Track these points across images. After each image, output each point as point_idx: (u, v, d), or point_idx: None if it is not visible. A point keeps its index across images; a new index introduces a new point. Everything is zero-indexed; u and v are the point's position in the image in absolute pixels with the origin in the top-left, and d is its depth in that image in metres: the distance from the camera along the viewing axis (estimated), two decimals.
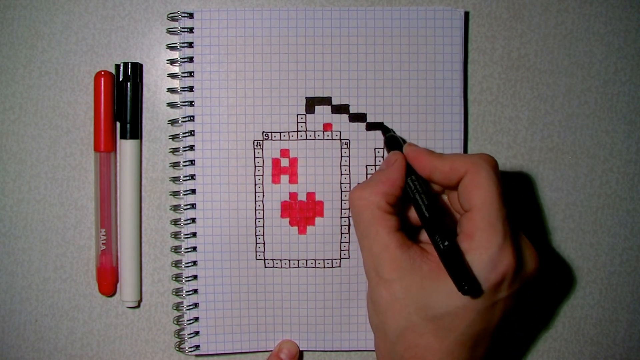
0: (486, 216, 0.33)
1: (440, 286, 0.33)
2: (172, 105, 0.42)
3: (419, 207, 0.35)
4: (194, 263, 0.43)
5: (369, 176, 0.43)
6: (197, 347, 0.43)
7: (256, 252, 0.43)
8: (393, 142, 0.40)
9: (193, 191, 0.42)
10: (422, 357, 0.34)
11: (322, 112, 0.43)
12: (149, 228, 0.43)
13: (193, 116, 0.42)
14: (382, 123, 0.42)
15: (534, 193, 0.45)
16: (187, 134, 0.42)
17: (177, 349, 0.43)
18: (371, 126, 0.43)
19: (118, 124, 0.43)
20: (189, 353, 0.43)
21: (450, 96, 0.43)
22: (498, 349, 0.45)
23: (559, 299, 0.46)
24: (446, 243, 0.33)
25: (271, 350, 0.43)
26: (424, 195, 0.35)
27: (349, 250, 0.43)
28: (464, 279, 0.32)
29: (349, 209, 0.42)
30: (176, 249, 0.43)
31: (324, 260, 0.43)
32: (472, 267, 0.33)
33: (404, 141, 0.41)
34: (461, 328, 0.33)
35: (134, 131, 0.42)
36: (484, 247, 0.33)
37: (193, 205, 0.42)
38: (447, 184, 0.36)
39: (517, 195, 0.45)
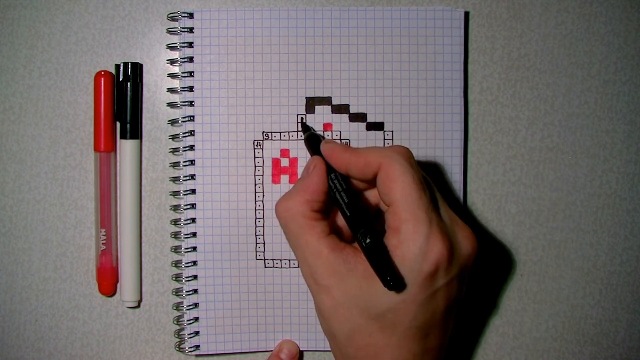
0: (407, 208, 0.33)
1: (377, 284, 0.32)
2: (172, 105, 0.42)
3: (341, 207, 0.35)
4: (194, 263, 0.43)
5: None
6: (197, 347, 0.43)
7: (256, 252, 0.43)
8: (314, 140, 0.39)
9: (193, 191, 0.42)
10: (374, 356, 0.34)
11: (322, 112, 0.43)
12: (149, 228, 0.43)
13: (193, 116, 0.42)
14: (303, 122, 0.42)
15: (534, 193, 0.45)
16: (187, 134, 0.42)
17: (177, 349, 0.43)
18: (371, 126, 0.43)
19: (118, 124, 0.43)
20: (189, 353, 0.43)
21: (451, 96, 0.43)
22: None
23: (559, 299, 0.46)
24: (368, 240, 0.33)
25: (271, 350, 0.43)
26: (343, 194, 0.35)
27: None
28: (388, 274, 0.32)
29: None
30: (176, 249, 0.43)
31: None
32: (404, 260, 0.32)
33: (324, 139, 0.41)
34: (406, 322, 0.33)
35: (134, 131, 0.42)
36: (412, 239, 0.32)
37: (193, 205, 0.42)
38: (365, 179, 0.35)
39: (517, 195, 0.45)
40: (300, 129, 0.42)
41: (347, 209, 0.35)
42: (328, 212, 0.37)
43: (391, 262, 0.32)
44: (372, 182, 0.36)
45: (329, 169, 0.36)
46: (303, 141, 0.42)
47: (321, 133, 0.43)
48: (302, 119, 0.42)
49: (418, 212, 0.33)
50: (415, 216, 0.32)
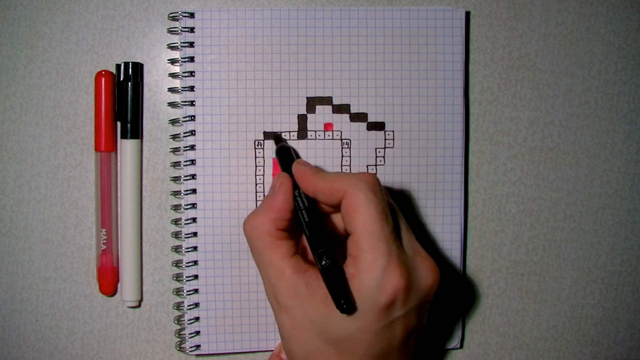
0: (367, 238, 0.33)
1: (335, 309, 0.32)
2: (172, 104, 0.42)
3: (302, 226, 0.35)
4: (195, 263, 0.43)
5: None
6: (198, 346, 0.43)
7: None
8: (284, 153, 0.39)
9: (194, 191, 0.42)
10: None
11: (323, 112, 0.43)
12: (149, 228, 0.43)
13: (194, 116, 0.42)
14: (278, 134, 0.42)
15: (535, 193, 0.45)
16: (187, 134, 0.42)
17: (178, 348, 0.43)
18: (372, 126, 0.43)
19: (119, 124, 0.43)
20: (190, 353, 0.43)
21: (451, 96, 0.43)
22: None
23: (559, 299, 0.46)
24: (324, 262, 0.33)
25: (272, 350, 0.43)
26: (305, 212, 0.35)
27: None
28: (341, 297, 0.32)
29: None
30: (177, 249, 0.43)
31: None
32: (360, 290, 0.32)
33: (296, 154, 0.41)
34: (362, 349, 0.33)
35: (135, 131, 0.42)
36: (369, 269, 0.32)
37: (194, 205, 0.42)
38: (331, 205, 0.35)
39: (518, 195, 0.45)
40: (300, 128, 0.42)
41: (307, 228, 0.35)
42: (296, 232, 0.37)
43: (346, 286, 0.32)
44: (338, 208, 0.36)
45: (295, 187, 0.36)
46: (275, 153, 0.41)
47: (322, 133, 0.43)
48: (274, 133, 0.42)
49: (378, 244, 0.33)
50: (375, 247, 0.33)
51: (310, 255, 0.36)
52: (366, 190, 0.33)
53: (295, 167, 0.37)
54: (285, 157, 0.39)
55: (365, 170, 0.43)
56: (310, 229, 0.35)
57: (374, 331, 0.33)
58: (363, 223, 0.33)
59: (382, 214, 0.33)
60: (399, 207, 0.43)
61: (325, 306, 0.33)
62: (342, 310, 0.32)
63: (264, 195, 0.43)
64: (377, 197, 0.34)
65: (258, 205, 0.42)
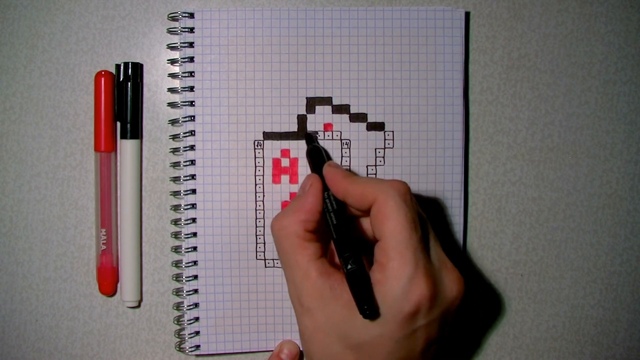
0: (396, 246, 0.33)
1: (358, 315, 0.32)
2: (172, 105, 0.42)
3: (330, 228, 0.35)
4: (195, 263, 0.43)
5: (369, 177, 0.43)
6: (198, 347, 0.43)
7: (257, 252, 0.43)
8: (316, 154, 0.39)
9: (193, 191, 0.42)
10: None
11: (323, 112, 0.43)
12: (149, 228, 0.43)
13: (194, 116, 0.42)
14: (310, 133, 0.42)
15: (535, 193, 0.45)
16: (187, 134, 0.42)
17: (178, 348, 0.43)
18: (372, 126, 0.43)
19: (118, 124, 0.43)
20: (190, 353, 0.43)
21: (451, 96, 0.43)
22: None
23: (559, 299, 0.46)
24: (350, 266, 0.33)
25: (272, 351, 0.43)
26: (334, 215, 0.35)
27: None
28: (365, 302, 0.32)
29: None
30: (176, 249, 0.43)
31: None
32: (385, 297, 0.32)
33: (327, 155, 0.41)
34: (381, 356, 0.33)
35: (135, 131, 0.42)
36: (395, 277, 0.32)
37: (193, 205, 0.42)
38: (361, 209, 0.35)
39: (518, 195, 0.45)
40: (301, 134, 0.42)
41: (334, 231, 0.35)
42: (323, 234, 0.37)
43: (370, 291, 0.32)
44: (367, 214, 0.36)
45: (324, 189, 0.36)
46: (305, 152, 0.42)
47: (322, 133, 0.43)
48: (307, 132, 0.42)
49: (405, 252, 0.33)
50: (402, 255, 0.32)
51: (337, 259, 0.36)
52: (397, 198, 0.33)
53: (326, 169, 0.37)
54: (317, 158, 0.39)
55: (365, 171, 0.43)
56: (338, 232, 0.35)
57: (395, 339, 0.33)
58: (392, 231, 0.33)
59: (412, 222, 0.33)
60: None
61: (348, 311, 0.33)
62: (365, 316, 0.32)
63: (263, 196, 0.43)
64: (408, 205, 0.34)
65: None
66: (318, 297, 0.34)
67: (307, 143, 0.42)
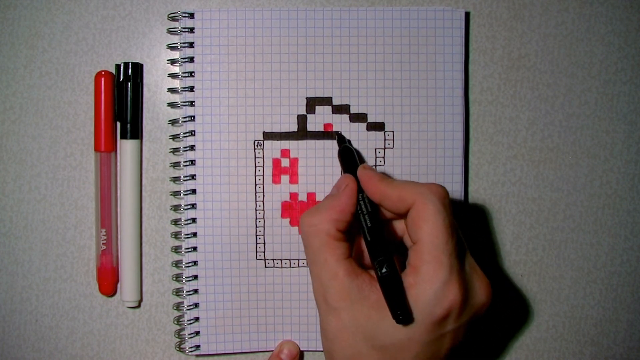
0: (432, 250, 0.33)
1: (386, 316, 0.32)
2: (172, 105, 0.42)
3: (363, 230, 0.35)
4: (195, 263, 0.43)
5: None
6: (198, 347, 0.43)
7: (257, 252, 0.43)
8: (347, 155, 0.39)
9: (193, 191, 0.42)
10: None
11: (323, 112, 0.43)
12: (149, 228, 0.43)
13: (194, 116, 0.42)
14: (341, 134, 0.42)
15: (534, 193, 0.45)
16: (187, 134, 0.42)
17: (178, 349, 0.43)
18: (372, 126, 0.43)
19: (118, 124, 0.43)
20: (190, 353, 0.43)
21: (451, 96, 0.43)
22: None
23: (559, 299, 0.46)
24: (384, 270, 0.33)
25: (272, 351, 0.43)
26: (368, 217, 0.35)
27: None
28: (398, 307, 0.32)
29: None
30: (176, 249, 0.43)
31: None
32: (417, 300, 0.32)
33: (359, 156, 0.41)
34: (407, 358, 0.33)
35: (135, 131, 0.42)
36: (429, 281, 0.32)
37: (193, 205, 0.42)
38: (397, 212, 0.35)
39: (518, 195, 0.45)
40: (299, 128, 0.42)
41: (368, 234, 0.34)
42: (351, 234, 0.36)
43: (404, 296, 0.32)
44: (403, 216, 0.36)
45: (359, 190, 0.36)
46: (338, 154, 0.41)
47: (322, 132, 0.43)
48: (339, 132, 0.42)
49: (441, 256, 0.33)
50: (438, 260, 0.33)
51: (365, 260, 0.37)
52: (436, 202, 0.33)
53: (361, 172, 0.37)
54: (349, 159, 0.39)
55: None
56: (372, 235, 0.34)
57: (423, 342, 0.33)
58: (429, 234, 0.33)
59: (450, 227, 0.33)
60: None
61: (376, 312, 0.33)
62: (398, 321, 0.32)
63: (263, 196, 0.43)
64: (446, 209, 0.34)
65: (317, 204, 0.41)
66: (345, 297, 0.34)
67: (339, 144, 0.41)
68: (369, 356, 0.34)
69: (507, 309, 0.46)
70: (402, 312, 0.32)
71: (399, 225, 0.37)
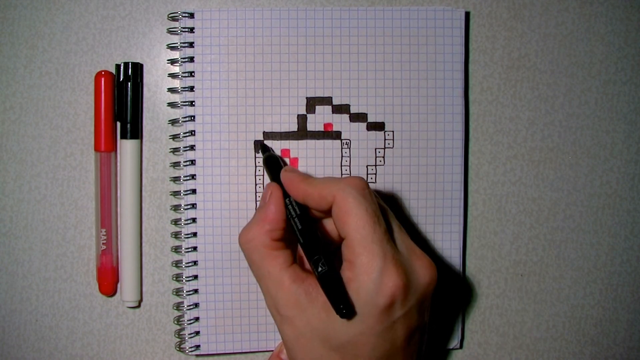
0: (361, 241, 0.33)
1: (336, 316, 0.32)
2: (172, 105, 0.42)
3: (295, 233, 0.35)
4: (195, 263, 0.43)
5: (369, 177, 0.43)
6: (198, 347, 0.43)
7: (255, 149, 0.43)
8: (272, 162, 0.39)
9: (194, 191, 0.42)
10: None
11: (323, 112, 0.43)
12: (149, 228, 0.43)
13: (194, 116, 0.42)
14: (263, 143, 0.42)
15: (535, 193, 0.45)
16: (187, 134, 0.42)
17: (178, 348, 0.43)
18: (372, 126, 0.43)
19: (118, 124, 0.43)
20: (190, 353, 0.43)
21: (451, 96, 0.43)
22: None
23: (559, 299, 0.46)
24: (320, 269, 0.33)
25: (272, 350, 0.43)
26: (297, 220, 0.35)
27: None
28: (340, 301, 0.32)
29: None
30: (177, 249, 0.43)
31: None
32: (359, 294, 0.32)
33: (284, 162, 0.41)
34: (366, 353, 0.33)
35: (135, 131, 0.42)
36: (366, 272, 0.32)
37: (194, 205, 0.42)
38: (322, 210, 0.36)
39: (518, 195, 0.45)
40: (299, 128, 0.42)
41: (300, 236, 0.35)
42: (291, 241, 0.37)
43: (344, 290, 0.33)
44: (328, 214, 0.36)
45: (285, 195, 0.36)
46: (263, 162, 0.41)
47: (322, 132, 0.43)
48: (260, 142, 0.42)
49: (372, 246, 0.33)
50: (369, 250, 0.33)
51: (307, 264, 0.36)
52: (355, 194, 0.34)
53: (283, 175, 0.37)
54: (273, 166, 0.39)
55: (365, 171, 0.43)
56: (304, 236, 0.35)
57: (376, 333, 0.33)
58: (355, 227, 0.33)
59: (374, 216, 0.33)
60: (399, 208, 0.43)
61: (325, 313, 0.33)
62: (342, 315, 0.32)
63: None
64: (367, 199, 0.34)
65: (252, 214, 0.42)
66: (294, 304, 0.34)
67: (262, 152, 0.42)
68: (330, 358, 0.34)
69: (507, 309, 0.46)
70: (344, 305, 0.32)
71: (329, 224, 0.37)
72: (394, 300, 0.33)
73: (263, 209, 0.36)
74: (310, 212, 0.37)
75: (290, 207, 0.36)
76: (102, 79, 0.42)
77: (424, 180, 0.43)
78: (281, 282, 0.34)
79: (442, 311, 0.44)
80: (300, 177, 0.36)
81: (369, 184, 0.43)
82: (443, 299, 0.44)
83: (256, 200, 0.43)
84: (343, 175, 0.43)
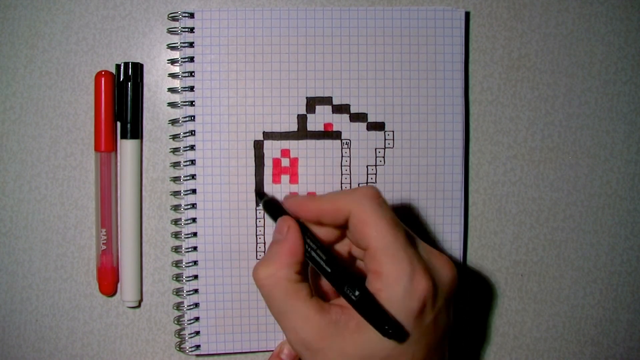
0: (386, 250, 0.32)
1: (370, 334, 0.32)
2: (172, 105, 0.42)
3: (320, 265, 0.34)
4: (195, 263, 0.43)
5: (369, 177, 0.43)
6: (198, 347, 0.43)
7: (257, 252, 0.43)
8: (271, 206, 0.39)
9: (194, 191, 0.42)
10: None
11: (323, 112, 0.43)
12: (149, 228, 0.43)
13: (194, 116, 0.42)
14: (257, 190, 0.42)
15: (535, 193, 0.45)
16: (187, 134, 0.42)
17: (178, 348, 0.43)
18: (372, 126, 0.43)
19: (118, 124, 0.43)
20: (190, 353, 0.43)
21: (451, 96, 0.43)
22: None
23: (559, 299, 0.46)
24: (357, 293, 0.32)
25: (272, 350, 0.43)
26: (320, 252, 0.34)
27: None
28: (385, 323, 0.31)
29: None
30: (177, 249, 0.43)
31: None
32: (391, 303, 0.32)
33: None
34: None
35: (135, 131, 0.42)
36: (395, 280, 0.32)
37: (194, 205, 0.42)
38: (337, 224, 0.35)
39: (518, 195, 0.45)
40: (299, 128, 0.42)
41: (327, 266, 0.34)
42: (305, 274, 0.36)
43: (383, 310, 0.32)
44: (343, 227, 0.35)
45: (302, 229, 0.35)
46: (263, 208, 0.41)
47: (322, 132, 0.43)
48: (256, 190, 0.42)
49: (397, 253, 0.32)
50: (394, 257, 0.32)
51: (322, 293, 0.37)
52: (372, 204, 0.33)
53: (289, 202, 0.36)
54: (275, 207, 0.38)
55: (365, 171, 0.43)
56: (331, 266, 0.34)
57: (412, 341, 0.32)
58: (377, 236, 0.33)
59: (393, 223, 0.33)
60: (399, 208, 0.43)
61: (359, 335, 0.33)
62: (390, 336, 0.31)
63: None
64: (383, 207, 0.34)
65: (265, 255, 0.39)
66: (325, 335, 0.33)
67: (260, 198, 0.41)
68: None
69: (507, 309, 0.46)
70: (389, 326, 0.31)
71: (339, 247, 0.37)
72: (425, 303, 0.32)
73: (282, 242, 0.35)
74: (323, 242, 0.36)
75: (309, 240, 0.35)
76: (102, 79, 0.42)
77: (424, 180, 0.43)
78: (307, 315, 0.33)
79: None
80: (307, 197, 0.36)
81: (369, 183, 0.43)
82: None
83: (256, 201, 0.42)
84: (343, 176, 0.43)
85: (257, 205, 0.42)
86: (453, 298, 0.36)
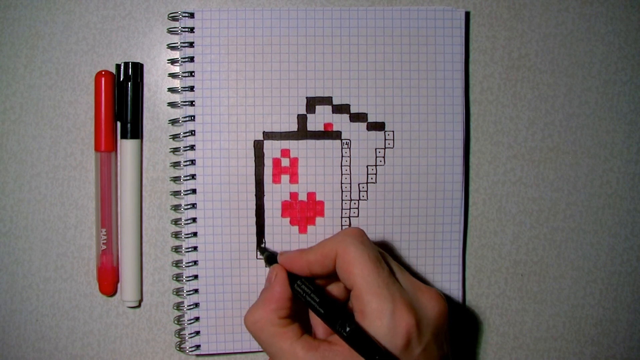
0: (369, 288, 0.34)
1: None
2: (172, 105, 0.42)
3: (314, 308, 0.36)
4: (195, 263, 0.43)
5: (369, 177, 0.43)
6: (198, 346, 0.43)
7: (257, 252, 0.43)
8: (271, 260, 0.40)
9: (194, 191, 0.42)
10: None
11: (323, 112, 0.43)
12: (149, 228, 0.43)
13: (194, 116, 0.42)
14: (261, 246, 0.43)
15: (535, 193, 0.45)
16: (187, 134, 0.42)
17: (178, 348, 0.43)
18: (372, 126, 0.43)
19: (119, 124, 0.43)
20: (190, 353, 0.43)
21: (451, 96, 0.43)
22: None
23: (559, 299, 0.46)
24: (347, 329, 0.33)
25: None
26: (314, 295, 0.36)
27: None
28: (376, 354, 0.32)
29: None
30: (177, 249, 0.43)
31: None
32: (377, 339, 0.33)
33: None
34: None
35: (135, 131, 0.42)
36: (378, 317, 0.33)
37: (194, 205, 0.42)
38: (329, 271, 0.36)
39: (518, 195, 0.45)
40: (299, 128, 0.42)
41: (320, 308, 0.35)
42: (298, 315, 0.37)
43: (373, 341, 0.33)
44: (334, 274, 0.36)
45: (293, 277, 0.37)
46: (264, 261, 0.42)
47: (322, 132, 0.43)
48: (259, 246, 0.43)
49: (378, 290, 0.34)
50: (377, 295, 0.34)
51: (316, 331, 0.38)
52: (355, 243, 0.35)
53: (281, 258, 0.38)
54: (272, 257, 0.40)
55: (365, 171, 0.43)
56: (324, 307, 0.35)
57: None
58: (360, 275, 0.34)
59: (376, 261, 0.35)
60: (399, 209, 0.43)
61: None
62: None
63: (263, 196, 0.43)
64: (367, 246, 0.35)
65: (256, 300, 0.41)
66: None
67: (262, 253, 0.42)
68: None
69: (507, 309, 0.46)
70: (379, 356, 0.32)
71: (333, 289, 0.38)
72: (409, 338, 0.33)
73: (269, 290, 0.37)
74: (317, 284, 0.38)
75: (303, 286, 0.37)
76: (102, 78, 0.42)
77: (424, 180, 0.43)
78: (295, 355, 0.34)
79: None
80: (297, 252, 0.38)
81: (369, 183, 0.43)
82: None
83: (256, 201, 0.43)
84: (343, 175, 0.43)
85: (258, 258, 0.43)
86: (446, 330, 0.36)
